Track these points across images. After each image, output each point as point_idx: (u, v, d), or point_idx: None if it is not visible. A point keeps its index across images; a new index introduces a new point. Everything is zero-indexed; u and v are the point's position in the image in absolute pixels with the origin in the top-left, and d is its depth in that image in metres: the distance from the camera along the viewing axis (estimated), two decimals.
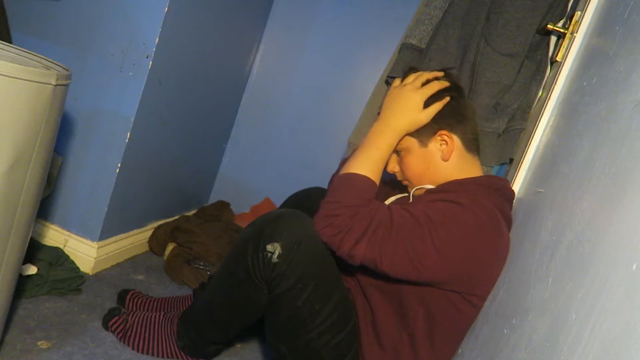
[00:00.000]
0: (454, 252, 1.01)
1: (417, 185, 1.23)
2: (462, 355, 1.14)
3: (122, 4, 1.50)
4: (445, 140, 1.18)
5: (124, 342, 1.31)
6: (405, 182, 1.26)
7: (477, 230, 1.03)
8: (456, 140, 1.18)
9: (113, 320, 1.34)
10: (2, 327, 1.11)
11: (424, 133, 1.18)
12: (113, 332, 1.33)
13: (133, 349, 1.30)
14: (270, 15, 2.32)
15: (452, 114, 1.18)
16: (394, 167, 1.25)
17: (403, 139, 1.19)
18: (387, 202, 1.32)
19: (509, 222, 1.13)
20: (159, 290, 1.65)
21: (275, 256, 1.07)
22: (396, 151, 1.22)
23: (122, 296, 1.48)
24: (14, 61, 0.89)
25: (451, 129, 1.18)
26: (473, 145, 1.21)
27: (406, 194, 1.30)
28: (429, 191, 1.20)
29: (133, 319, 1.34)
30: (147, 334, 1.31)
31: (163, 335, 1.31)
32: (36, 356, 1.16)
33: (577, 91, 1.08)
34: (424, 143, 1.19)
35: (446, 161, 1.18)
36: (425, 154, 1.19)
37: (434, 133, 1.17)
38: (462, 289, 1.06)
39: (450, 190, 1.15)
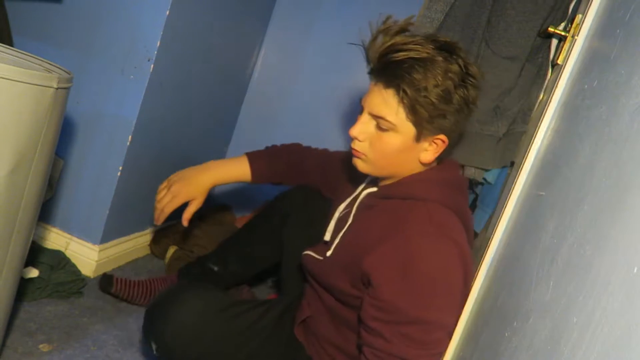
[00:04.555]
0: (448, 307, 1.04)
1: (372, 166, 1.11)
2: (463, 358, 1.14)
3: (124, 7, 1.50)
4: (437, 143, 1.09)
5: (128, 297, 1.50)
6: (360, 156, 1.11)
7: (453, 281, 1.03)
8: (446, 142, 1.09)
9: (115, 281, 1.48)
10: (4, 330, 1.11)
11: (427, 130, 1.06)
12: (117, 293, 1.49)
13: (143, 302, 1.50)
14: (271, 17, 2.32)
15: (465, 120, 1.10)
16: (362, 134, 1.09)
17: (403, 122, 1.04)
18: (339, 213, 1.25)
19: (468, 223, 1.13)
20: None
21: (154, 351, 1.15)
22: (378, 119, 1.06)
23: (108, 282, 1.52)
24: (15, 64, 0.89)
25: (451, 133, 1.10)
26: (454, 142, 1.18)
27: (353, 195, 1.24)
28: (379, 196, 1.14)
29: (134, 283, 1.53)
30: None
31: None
32: (37, 359, 1.16)
33: (578, 94, 1.08)
34: (418, 138, 1.07)
35: (424, 162, 1.10)
36: (411, 147, 1.07)
37: (436, 134, 1.08)
38: None
39: (407, 196, 1.09)
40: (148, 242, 1.92)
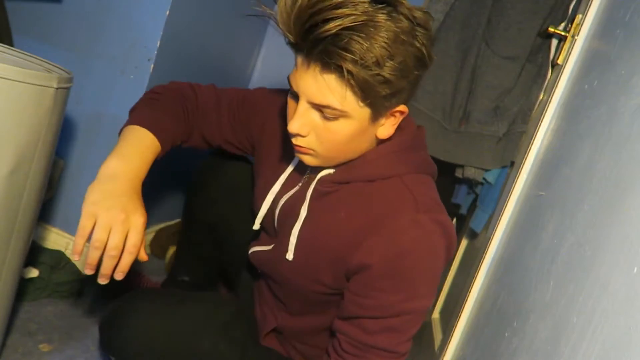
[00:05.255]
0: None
1: (324, 159, 0.93)
2: (464, 358, 1.14)
3: (124, 7, 1.50)
4: (395, 116, 0.90)
5: None
6: (307, 152, 0.92)
7: (437, 267, 0.94)
8: (405, 112, 0.91)
9: None
10: (4, 330, 1.11)
11: (384, 107, 0.86)
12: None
13: None
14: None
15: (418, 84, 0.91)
16: (304, 128, 0.87)
17: (354, 107, 0.83)
18: (276, 188, 1.06)
19: (435, 171, 1.03)
20: None
21: None
22: (321, 108, 0.84)
23: None
24: (15, 64, 0.89)
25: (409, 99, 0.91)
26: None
27: (291, 169, 1.06)
28: (337, 181, 0.97)
29: None
30: None
31: None
32: (37, 359, 1.16)
33: (578, 94, 1.08)
34: (375, 118, 0.87)
35: (382, 138, 0.93)
36: (366, 128, 0.88)
37: (394, 108, 0.88)
38: None
39: (374, 178, 0.96)
40: (148, 243, 1.93)
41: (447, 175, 1.65)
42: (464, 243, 1.77)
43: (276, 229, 1.07)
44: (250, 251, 1.13)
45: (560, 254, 0.81)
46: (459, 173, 1.56)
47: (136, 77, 1.52)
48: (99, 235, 0.87)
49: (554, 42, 1.48)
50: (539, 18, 1.45)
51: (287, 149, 1.06)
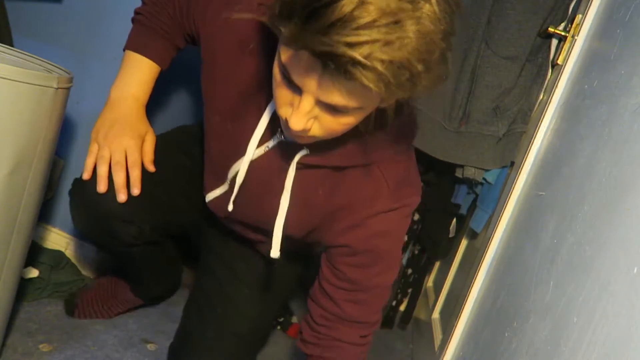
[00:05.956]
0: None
1: (321, 140, 0.82)
2: (464, 358, 1.14)
3: (124, 7, 1.50)
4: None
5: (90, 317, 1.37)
6: (308, 141, 0.82)
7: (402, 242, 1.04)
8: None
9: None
10: (4, 330, 1.11)
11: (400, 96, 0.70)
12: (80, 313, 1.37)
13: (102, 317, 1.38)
14: None
15: None
16: (308, 125, 0.74)
17: (372, 101, 0.73)
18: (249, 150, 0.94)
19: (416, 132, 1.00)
20: (159, 292, 1.65)
21: None
22: (333, 107, 0.70)
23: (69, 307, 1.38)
24: (15, 64, 0.89)
25: None
26: None
27: (264, 126, 0.92)
28: (321, 164, 0.91)
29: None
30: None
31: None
32: (37, 359, 1.16)
33: (578, 94, 1.08)
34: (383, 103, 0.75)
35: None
36: (373, 110, 0.77)
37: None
38: None
39: (346, 165, 0.91)
40: None
41: (447, 175, 1.65)
42: (464, 243, 1.77)
43: (228, 179, 1.02)
44: (207, 199, 1.10)
45: (560, 254, 0.81)
46: (459, 173, 1.56)
47: None
48: (118, 158, 1.04)
49: (554, 42, 1.48)
50: (539, 18, 1.45)
51: (255, 98, 0.93)
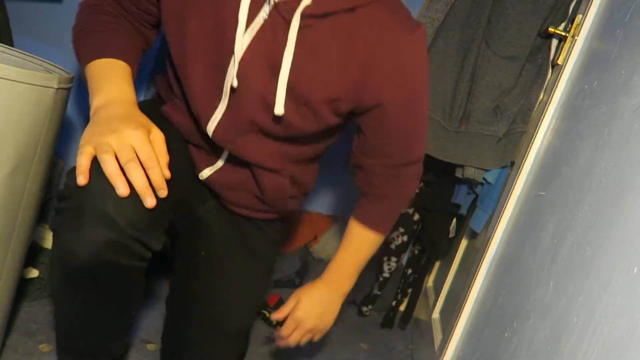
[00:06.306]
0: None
1: None
2: (464, 358, 1.14)
3: None
4: None
5: None
6: None
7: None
8: None
9: None
10: (4, 330, 1.11)
11: None
12: None
13: None
14: None
15: None
16: None
17: None
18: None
19: None
20: (159, 292, 1.65)
21: None
22: None
23: None
24: (16, 64, 0.90)
25: None
26: None
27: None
28: (316, 12, 0.86)
29: None
30: None
31: None
32: (37, 359, 1.16)
33: (578, 94, 1.08)
34: None
35: None
36: None
37: None
38: None
39: (353, 4, 0.88)
40: None
41: (447, 175, 1.65)
42: (464, 243, 1.77)
43: (233, 86, 0.92)
44: (210, 130, 0.98)
45: (561, 254, 0.81)
46: (459, 173, 1.56)
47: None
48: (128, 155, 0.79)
49: (554, 42, 1.48)
50: (539, 18, 1.45)
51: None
